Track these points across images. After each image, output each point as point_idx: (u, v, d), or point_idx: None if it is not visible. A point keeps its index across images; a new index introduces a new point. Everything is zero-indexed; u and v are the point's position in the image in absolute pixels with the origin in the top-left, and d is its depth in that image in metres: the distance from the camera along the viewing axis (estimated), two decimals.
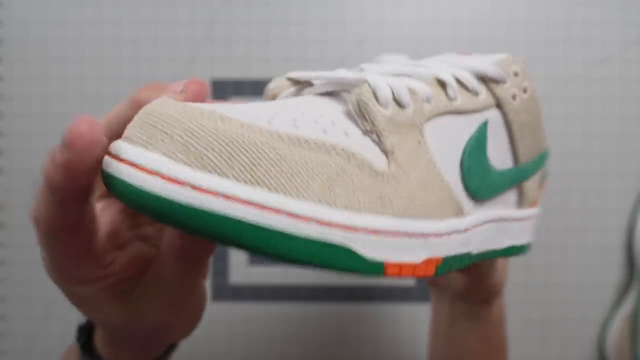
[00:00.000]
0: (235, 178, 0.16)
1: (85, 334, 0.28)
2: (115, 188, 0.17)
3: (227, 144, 0.17)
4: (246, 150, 0.17)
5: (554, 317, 0.55)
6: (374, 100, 0.21)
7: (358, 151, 0.19)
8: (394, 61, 0.30)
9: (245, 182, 0.16)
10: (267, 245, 0.17)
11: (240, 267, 0.56)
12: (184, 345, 0.56)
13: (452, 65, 0.25)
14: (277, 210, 0.16)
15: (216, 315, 0.56)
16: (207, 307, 0.56)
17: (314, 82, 0.25)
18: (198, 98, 0.22)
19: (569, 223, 0.55)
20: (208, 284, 0.56)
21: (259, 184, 0.17)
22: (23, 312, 0.56)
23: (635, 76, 0.54)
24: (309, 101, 0.22)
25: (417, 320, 0.56)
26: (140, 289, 0.23)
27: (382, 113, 0.21)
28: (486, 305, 0.36)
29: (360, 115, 0.21)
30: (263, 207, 0.16)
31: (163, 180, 0.16)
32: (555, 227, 0.55)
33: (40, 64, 0.55)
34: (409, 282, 0.55)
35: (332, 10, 0.55)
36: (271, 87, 0.26)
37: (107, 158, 0.18)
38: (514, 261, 0.54)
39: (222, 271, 0.56)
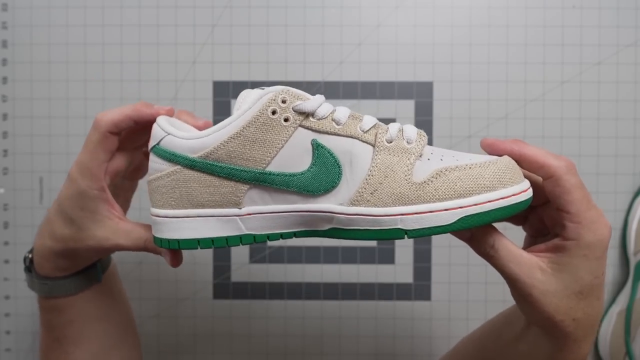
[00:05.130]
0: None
1: (29, 260, 0.41)
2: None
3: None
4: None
5: None
6: None
7: None
8: None
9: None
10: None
11: (241, 265, 0.56)
12: (187, 342, 0.57)
13: None
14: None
15: (218, 312, 0.57)
16: (209, 304, 0.57)
17: None
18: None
19: None
20: (210, 282, 0.57)
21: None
22: (27, 310, 0.57)
23: (629, 79, 0.55)
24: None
25: (415, 318, 0.56)
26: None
27: None
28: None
29: None
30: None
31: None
32: None
33: (44, 67, 0.56)
34: (408, 279, 0.56)
35: (331, 14, 0.56)
36: None
37: None
38: None
39: (223, 269, 0.57)
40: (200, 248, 0.34)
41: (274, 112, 0.32)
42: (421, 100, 0.56)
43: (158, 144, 0.34)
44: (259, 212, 0.33)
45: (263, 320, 0.57)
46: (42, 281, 0.40)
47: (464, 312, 0.56)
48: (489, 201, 0.31)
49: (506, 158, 0.32)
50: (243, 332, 0.57)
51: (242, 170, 0.33)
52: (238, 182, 0.33)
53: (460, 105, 0.56)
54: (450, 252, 0.56)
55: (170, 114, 0.37)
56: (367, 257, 0.56)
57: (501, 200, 0.31)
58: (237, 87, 0.56)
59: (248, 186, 0.33)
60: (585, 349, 0.33)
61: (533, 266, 0.32)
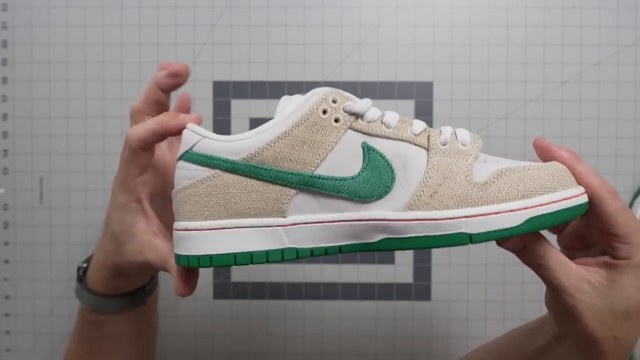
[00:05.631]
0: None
1: (82, 270, 0.41)
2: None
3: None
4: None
5: None
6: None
7: None
8: None
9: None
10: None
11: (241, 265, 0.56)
12: (187, 341, 0.57)
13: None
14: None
15: (218, 312, 0.57)
16: (209, 304, 0.57)
17: None
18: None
19: None
20: (210, 282, 0.56)
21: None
22: (27, 310, 0.57)
23: (629, 79, 0.55)
24: None
25: (415, 318, 0.56)
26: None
27: None
28: None
29: None
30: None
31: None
32: None
33: (44, 67, 0.56)
34: (408, 279, 0.56)
35: (331, 14, 0.56)
36: None
37: None
38: (511, 260, 0.55)
39: (224, 269, 0.57)
40: (237, 264, 0.31)
41: (324, 112, 0.31)
42: (421, 100, 0.56)
43: (191, 148, 0.32)
44: (305, 221, 0.31)
45: (263, 320, 0.57)
46: (92, 296, 0.40)
47: (464, 312, 0.56)
48: (552, 202, 0.30)
49: (558, 163, 0.32)
50: (243, 333, 0.57)
51: (289, 174, 0.31)
52: (284, 187, 0.31)
53: (460, 105, 0.56)
54: (450, 252, 0.56)
55: (198, 121, 0.35)
56: (367, 257, 0.56)
57: (565, 201, 0.30)
58: (237, 87, 0.56)
59: (295, 191, 0.31)
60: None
61: (582, 279, 0.31)
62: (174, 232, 0.32)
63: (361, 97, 0.56)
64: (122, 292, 0.40)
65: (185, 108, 0.47)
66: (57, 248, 0.56)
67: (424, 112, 0.56)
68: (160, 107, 0.41)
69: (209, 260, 0.31)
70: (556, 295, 0.32)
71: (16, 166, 0.56)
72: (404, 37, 0.56)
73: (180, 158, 0.32)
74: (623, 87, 0.55)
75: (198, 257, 0.31)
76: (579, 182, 0.32)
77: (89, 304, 0.40)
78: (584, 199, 0.31)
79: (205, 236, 0.31)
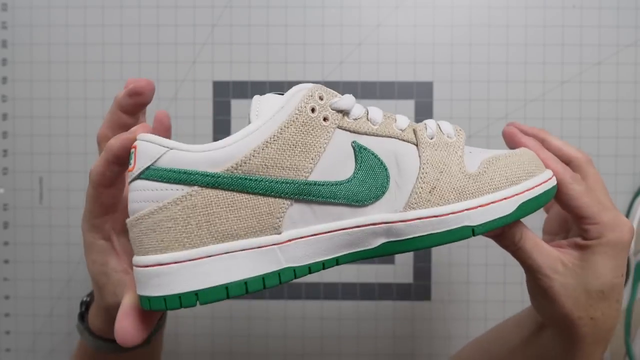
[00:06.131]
0: None
1: (85, 305, 0.37)
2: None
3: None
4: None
5: None
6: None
7: None
8: None
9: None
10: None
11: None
12: (187, 342, 0.57)
13: None
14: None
15: (218, 312, 0.57)
16: (209, 305, 0.57)
17: None
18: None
19: None
20: None
21: None
22: (27, 310, 0.57)
23: (629, 79, 0.55)
24: None
25: (415, 318, 0.56)
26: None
27: None
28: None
29: None
30: None
31: None
32: None
33: (44, 67, 0.56)
34: (408, 279, 0.56)
35: (331, 14, 0.56)
36: None
37: None
38: (511, 260, 0.55)
39: None
40: (228, 298, 0.26)
41: (313, 110, 0.28)
42: (421, 100, 0.56)
43: (155, 163, 0.26)
44: (301, 235, 0.28)
45: (263, 320, 0.57)
46: (92, 337, 0.37)
47: (464, 312, 0.56)
48: (536, 185, 0.31)
49: (526, 149, 0.33)
50: (243, 333, 0.57)
51: (283, 183, 0.27)
52: (278, 198, 0.27)
53: (460, 105, 0.56)
54: (450, 252, 0.56)
55: (146, 129, 0.29)
56: None
57: (544, 184, 0.31)
58: (237, 87, 0.56)
59: (289, 202, 0.27)
60: (598, 355, 0.33)
61: (556, 259, 0.32)
62: (136, 270, 0.26)
63: (361, 97, 0.56)
64: None
65: (164, 129, 0.38)
66: (57, 248, 0.56)
67: (424, 112, 0.56)
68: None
69: (194, 297, 0.25)
70: (533, 277, 0.32)
71: (16, 166, 0.56)
72: (404, 37, 0.56)
73: (138, 177, 0.26)
74: (623, 87, 0.55)
75: (179, 297, 0.25)
76: (546, 166, 0.33)
77: (89, 344, 0.37)
78: (554, 181, 0.32)
79: (186, 269, 0.25)
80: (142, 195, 0.26)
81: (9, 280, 0.57)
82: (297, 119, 0.27)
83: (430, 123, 0.32)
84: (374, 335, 0.57)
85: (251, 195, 0.26)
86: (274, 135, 0.27)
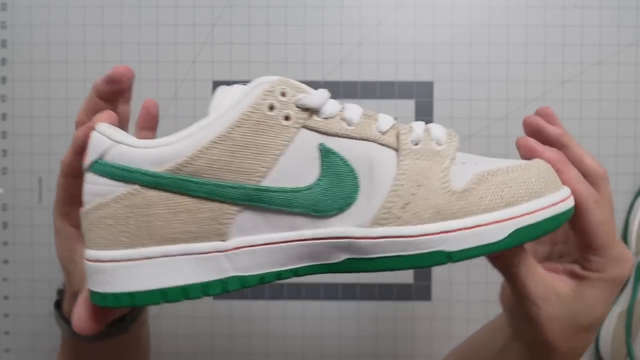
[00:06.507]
0: None
1: (60, 293, 0.36)
2: None
3: None
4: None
5: None
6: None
7: None
8: None
9: None
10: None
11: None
12: (186, 342, 0.57)
13: None
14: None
15: (218, 312, 0.57)
16: (209, 305, 0.57)
17: None
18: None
19: None
20: None
21: None
22: (27, 310, 0.57)
23: (630, 78, 0.55)
24: None
25: (416, 318, 0.56)
26: None
27: None
28: None
29: None
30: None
31: None
32: None
33: (43, 66, 0.56)
34: (408, 279, 0.56)
35: (331, 13, 0.56)
36: None
37: None
38: None
39: None
40: (166, 302, 0.25)
41: (271, 108, 0.25)
42: (421, 100, 0.56)
43: (102, 157, 0.25)
44: (251, 244, 0.25)
45: (263, 320, 0.57)
46: (68, 325, 0.35)
47: (465, 313, 0.56)
48: (540, 209, 0.26)
49: (542, 161, 0.28)
50: (243, 333, 0.57)
51: (230, 187, 0.25)
52: (224, 204, 0.25)
53: (461, 105, 0.56)
54: None
55: (112, 119, 0.28)
56: None
57: (552, 207, 0.26)
58: None
59: (237, 208, 0.25)
60: None
61: (549, 288, 0.29)
62: (85, 263, 0.26)
63: (361, 97, 0.56)
64: None
65: (150, 117, 0.36)
66: None
67: (424, 112, 0.55)
68: None
69: (130, 298, 0.24)
70: (521, 301, 0.30)
71: (15, 166, 0.56)
72: (404, 37, 0.56)
73: (88, 169, 0.25)
74: (624, 86, 0.55)
75: (115, 295, 0.25)
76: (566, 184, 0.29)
77: (65, 332, 0.36)
78: (571, 202, 0.27)
79: (124, 269, 0.25)
80: (90, 189, 0.25)
81: (9, 281, 0.57)
82: (250, 117, 0.25)
83: (417, 126, 0.28)
84: (374, 336, 0.56)
85: (194, 199, 0.25)
86: (223, 135, 0.25)
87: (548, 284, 0.29)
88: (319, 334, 0.57)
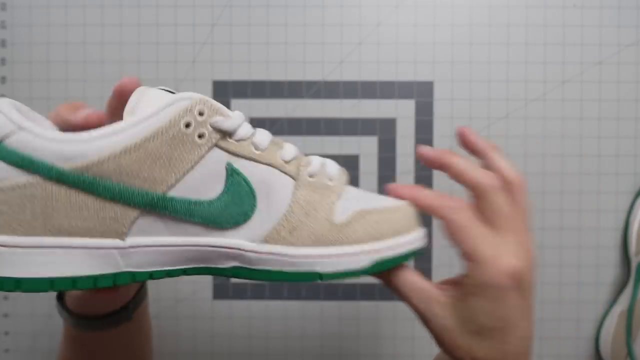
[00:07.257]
0: None
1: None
2: None
3: None
4: None
5: (550, 316, 0.56)
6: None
7: None
8: None
9: None
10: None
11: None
12: (186, 342, 0.57)
13: None
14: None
15: (217, 312, 0.57)
16: (208, 305, 0.57)
17: None
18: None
19: (565, 223, 0.55)
20: (210, 282, 0.56)
21: None
22: (26, 310, 0.57)
23: (630, 78, 0.55)
24: None
25: (416, 318, 0.56)
26: None
27: None
28: None
29: None
30: None
31: None
32: (552, 227, 0.55)
33: (43, 66, 0.56)
34: None
35: (331, 13, 0.56)
36: None
37: None
38: None
39: None
40: (54, 290, 0.25)
41: (187, 125, 0.26)
42: (422, 100, 0.55)
43: (3, 140, 0.24)
44: (147, 244, 0.27)
45: (263, 320, 0.57)
46: (71, 316, 0.36)
47: None
48: (399, 245, 0.30)
49: (407, 204, 0.32)
50: (243, 333, 0.57)
51: (135, 193, 0.25)
52: (126, 207, 0.26)
53: (461, 105, 0.55)
54: (450, 252, 0.56)
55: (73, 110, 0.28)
56: None
57: (407, 245, 0.31)
58: (237, 87, 0.56)
59: (138, 212, 0.26)
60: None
61: (432, 300, 0.30)
62: None
63: (361, 97, 0.56)
64: (101, 312, 0.36)
65: (121, 96, 0.31)
66: None
67: (425, 112, 0.55)
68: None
69: (14, 283, 0.25)
70: (417, 317, 0.31)
71: None
72: (404, 37, 0.55)
73: None
74: (624, 86, 0.55)
75: (1, 280, 0.25)
76: (424, 206, 0.32)
77: (69, 323, 0.37)
78: (422, 243, 0.32)
79: (12, 255, 0.25)
80: None
81: None
82: (166, 131, 0.26)
83: (315, 160, 0.31)
84: (375, 336, 0.56)
85: (97, 198, 0.25)
86: (137, 144, 0.25)
87: (429, 296, 0.31)
88: (319, 334, 0.56)
